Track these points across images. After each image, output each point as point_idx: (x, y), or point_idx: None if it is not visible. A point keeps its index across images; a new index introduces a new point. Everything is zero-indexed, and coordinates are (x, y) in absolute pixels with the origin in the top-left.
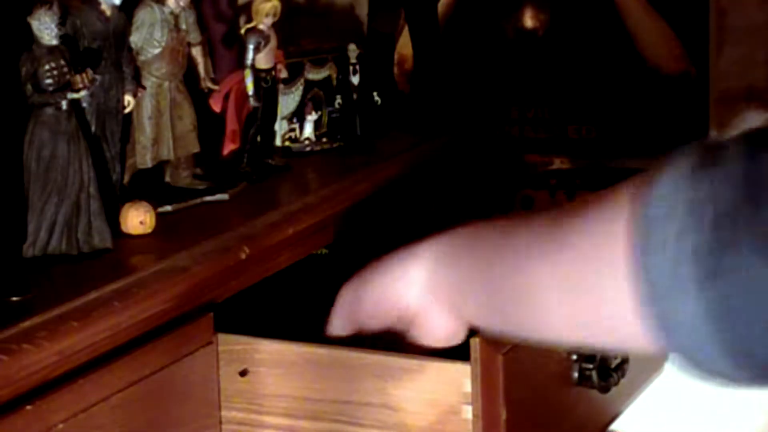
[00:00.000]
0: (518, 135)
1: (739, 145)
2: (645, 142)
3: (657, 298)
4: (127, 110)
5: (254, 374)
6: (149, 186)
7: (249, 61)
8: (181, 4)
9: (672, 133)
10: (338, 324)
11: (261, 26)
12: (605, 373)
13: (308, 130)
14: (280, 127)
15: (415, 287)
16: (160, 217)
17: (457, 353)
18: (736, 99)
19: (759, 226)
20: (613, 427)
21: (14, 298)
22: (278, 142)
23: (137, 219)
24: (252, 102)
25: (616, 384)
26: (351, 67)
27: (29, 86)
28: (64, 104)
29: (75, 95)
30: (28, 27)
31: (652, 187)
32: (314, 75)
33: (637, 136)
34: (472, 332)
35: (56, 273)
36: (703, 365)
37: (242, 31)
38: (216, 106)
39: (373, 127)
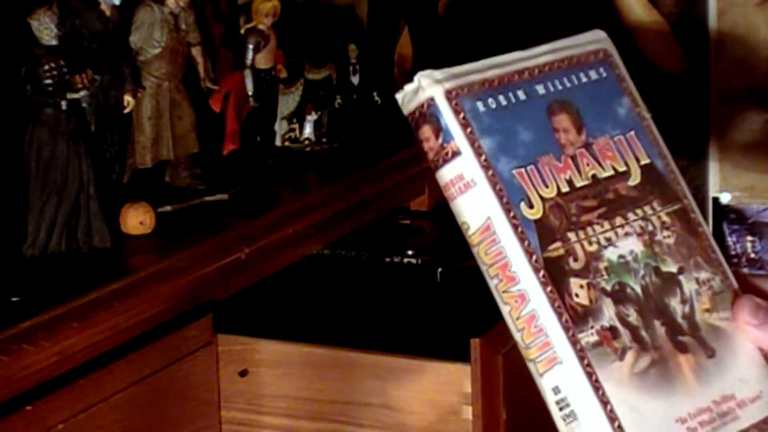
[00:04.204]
0: None
1: None
2: None
3: None
4: (126, 110)
5: (254, 374)
6: (149, 186)
7: (249, 61)
8: (181, 4)
9: (673, 132)
10: None
11: (261, 26)
12: None
13: (308, 130)
14: (280, 127)
15: None
16: (160, 217)
17: (457, 353)
18: (736, 99)
19: None
20: None
21: (14, 298)
22: (278, 142)
23: (137, 219)
24: (252, 102)
25: None
26: (351, 67)
27: (29, 86)
28: (63, 104)
29: (75, 95)
30: (28, 27)
31: None
32: (314, 75)
33: None
34: (472, 333)
35: (56, 273)
36: None
37: (242, 31)
38: (216, 106)
39: (373, 127)
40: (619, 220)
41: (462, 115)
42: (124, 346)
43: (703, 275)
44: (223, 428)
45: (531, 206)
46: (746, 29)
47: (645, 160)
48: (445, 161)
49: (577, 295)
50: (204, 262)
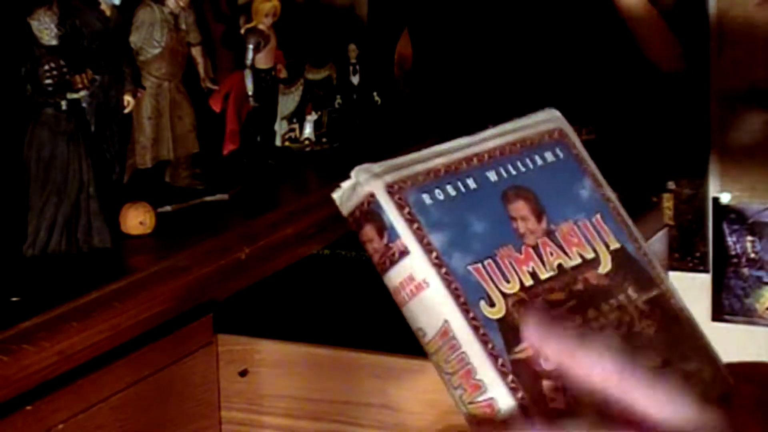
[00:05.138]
0: None
1: None
2: (646, 142)
3: None
4: (127, 110)
5: (254, 374)
6: (149, 186)
7: (249, 61)
8: (181, 4)
9: (673, 133)
10: None
11: (261, 26)
12: None
13: (308, 130)
14: (280, 127)
15: None
16: (160, 217)
17: None
18: (736, 99)
19: None
20: None
21: (14, 298)
22: (278, 142)
23: (137, 219)
24: (252, 102)
25: None
26: (351, 67)
27: (29, 86)
28: (63, 104)
29: (75, 95)
30: (28, 27)
31: None
32: (314, 75)
33: (638, 137)
34: None
35: (56, 273)
36: None
37: (242, 31)
38: (216, 106)
39: (373, 127)
40: (591, 313)
41: (407, 209)
42: (124, 346)
43: (690, 367)
44: (223, 428)
45: (492, 304)
46: (746, 29)
47: (615, 245)
48: (393, 262)
49: (552, 399)
50: (204, 262)
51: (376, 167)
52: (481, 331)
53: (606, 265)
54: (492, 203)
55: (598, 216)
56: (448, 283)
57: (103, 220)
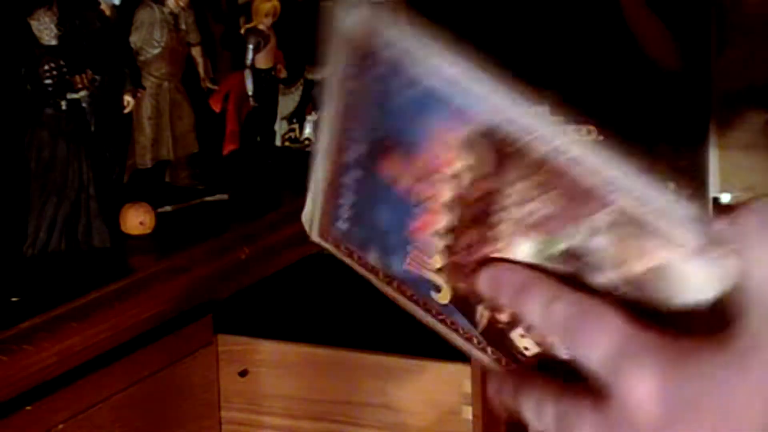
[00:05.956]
0: None
1: None
2: (646, 142)
3: None
4: (126, 110)
5: (254, 374)
6: (149, 186)
7: (249, 61)
8: (181, 4)
9: (673, 132)
10: None
11: (261, 26)
12: None
13: (308, 130)
14: (280, 127)
15: None
16: (160, 217)
17: (457, 353)
18: (737, 98)
19: None
20: None
21: (14, 298)
22: (278, 142)
23: (137, 219)
24: (252, 102)
25: None
26: None
27: (29, 86)
28: (63, 104)
29: (75, 95)
30: (28, 27)
31: None
32: (314, 75)
33: (639, 137)
34: None
35: (56, 273)
36: None
37: (242, 31)
38: (216, 106)
39: None
40: (495, 219)
41: (342, 246)
42: (124, 346)
43: (600, 220)
44: (223, 428)
45: (438, 290)
46: (746, 29)
47: (474, 126)
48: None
49: (526, 348)
50: (204, 262)
51: (305, 216)
52: (449, 320)
53: (483, 164)
54: (372, 184)
55: (445, 108)
56: (403, 293)
57: (103, 220)
